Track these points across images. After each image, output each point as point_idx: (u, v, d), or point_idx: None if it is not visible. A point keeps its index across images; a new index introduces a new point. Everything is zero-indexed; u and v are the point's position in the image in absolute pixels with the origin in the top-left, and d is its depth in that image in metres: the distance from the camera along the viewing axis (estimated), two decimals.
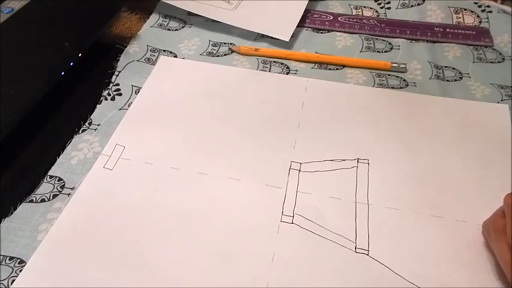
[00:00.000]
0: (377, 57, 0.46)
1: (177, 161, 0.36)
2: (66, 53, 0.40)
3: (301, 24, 0.49)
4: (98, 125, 0.39)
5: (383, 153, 0.37)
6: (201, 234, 0.31)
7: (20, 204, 0.33)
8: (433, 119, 0.39)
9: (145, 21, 0.51)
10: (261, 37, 0.49)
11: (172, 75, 0.44)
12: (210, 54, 0.47)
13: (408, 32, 0.49)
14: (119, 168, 0.35)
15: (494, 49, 0.47)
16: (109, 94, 0.42)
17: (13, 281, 0.28)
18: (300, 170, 0.35)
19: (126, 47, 0.47)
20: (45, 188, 0.34)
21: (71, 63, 0.40)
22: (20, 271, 0.29)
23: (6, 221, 0.32)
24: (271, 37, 0.47)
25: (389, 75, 0.44)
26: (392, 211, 0.33)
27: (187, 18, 0.51)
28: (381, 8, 0.53)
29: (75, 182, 0.34)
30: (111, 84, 0.43)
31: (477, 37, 0.48)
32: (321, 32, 0.50)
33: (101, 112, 0.40)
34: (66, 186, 0.34)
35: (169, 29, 0.50)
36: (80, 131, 0.38)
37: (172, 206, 0.33)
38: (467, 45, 0.48)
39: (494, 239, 0.29)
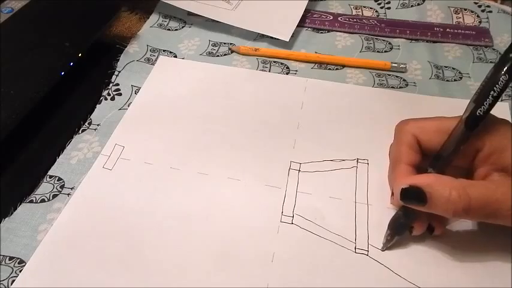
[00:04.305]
0: (377, 57, 0.46)
1: (177, 161, 0.36)
2: (66, 53, 0.40)
3: (301, 24, 0.49)
4: (98, 125, 0.39)
5: (383, 153, 0.36)
6: (200, 234, 0.31)
7: (20, 204, 0.33)
8: None
9: (145, 21, 0.51)
10: (261, 37, 0.49)
11: (172, 75, 0.44)
12: (209, 54, 0.47)
13: (408, 32, 0.49)
14: (119, 168, 0.35)
15: (494, 49, 0.47)
16: (109, 94, 0.42)
17: (13, 281, 0.28)
18: (299, 170, 0.35)
19: (126, 47, 0.47)
20: (45, 188, 0.34)
21: (71, 63, 0.40)
22: (20, 271, 0.29)
23: (6, 221, 0.32)
24: (271, 37, 0.47)
25: (389, 75, 0.44)
26: (392, 211, 0.32)
27: (187, 18, 0.51)
28: (381, 8, 0.53)
29: (75, 182, 0.34)
30: (111, 84, 0.43)
31: (477, 37, 0.48)
32: (321, 32, 0.50)
33: (101, 112, 0.40)
34: (65, 186, 0.34)
35: (169, 29, 0.50)
36: (80, 131, 0.38)
37: (172, 206, 0.33)
38: (467, 45, 0.48)
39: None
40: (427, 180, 0.27)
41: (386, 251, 0.30)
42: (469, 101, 0.41)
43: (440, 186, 0.27)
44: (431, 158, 0.30)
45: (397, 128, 0.32)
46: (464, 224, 0.32)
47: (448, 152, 0.29)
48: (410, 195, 0.28)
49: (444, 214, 0.27)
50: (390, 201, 0.32)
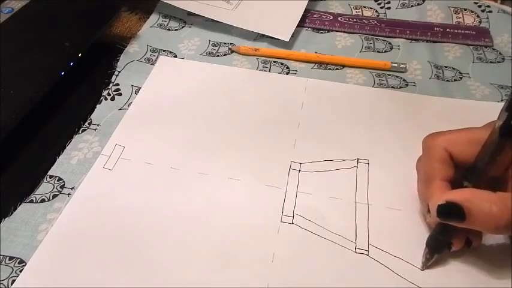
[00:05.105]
0: (377, 57, 0.46)
1: (177, 161, 0.36)
2: (66, 53, 0.40)
3: (301, 24, 0.49)
4: (98, 125, 0.39)
5: (383, 153, 0.37)
6: (201, 234, 0.31)
7: (20, 204, 0.33)
8: (433, 119, 0.39)
9: (145, 21, 0.51)
10: (261, 37, 0.49)
11: (172, 75, 0.44)
12: (210, 54, 0.47)
13: (408, 32, 0.49)
14: (119, 168, 0.35)
15: (494, 49, 0.47)
16: (109, 94, 0.42)
17: (13, 281, 0.28)
18: (300, 170, 0.35)
19: (126, 47, 0.47)
20: (45, 188, 0.34)
21: (71, 63, 0.40)
22: (20, 271, 0.29)
23: (6, 221, 0.32)
24: (271, 37, 0.47)
25: (389, 75, 0.44)
26: (393, 211, 0.33)
27: (187, 18, 0.51)
28: (381, 8, 0.53)
29: (75, 182, 0.34)
30: (111, 84, 0.43)
31: (477, 37, 0.48)
32: (321, 32, 0.50)
33: (101, 112, 0.40)
34: (66, 186, 0.34)
35: (169, 29, 0.50)
36: (80, 131, 0.38)
37: (172, 206, 0.33)
38: (467, 45, 0.48)
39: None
40: (465, 195, 0.26)
41: (386, 251, 0.30)
42: (469, 100, 0.41)
43: (479, 201, 0.26)
44: (464, 171, 0.29)
45: (426, 142, 0.31)
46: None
47: (484, 164, 0.28)
48: (449, 212, 0.27)
49: (484, 230, 0.27)
50: (426, 219, 0.30)
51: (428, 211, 0.29)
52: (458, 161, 0.29)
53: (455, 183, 0.29)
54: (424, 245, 0.30)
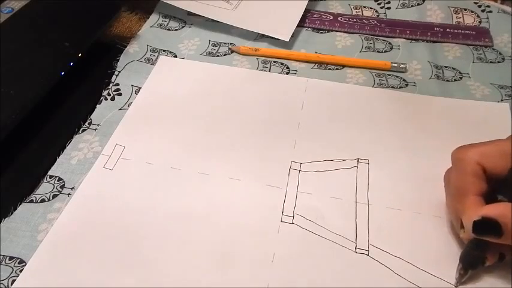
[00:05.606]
0: (377, 57, 0.46)
1: (177, 161, 0.36)
2: (66, 53, 0.40)
3: (301, 24, 0.49)
4: (98, 125, 0.39)
5: (383, 153, 0.37)
6: (201, 234, 0.31)
7: (20, 204, 0.33)
8: (433, 118, 0.39)
9: (145, 21, 0.51)
10: (261, 37, 0.49)
11: (172, 75, 0.44)
12: (210, 54, 0.47)
13: (408, 32, 0.49)
14: (119, 168, 0.35)
15: (494, 49, 0.47)
16: (109, 94, 0.42)
17: (13, 281, 0.28)
18: (300, 170, 0.35)
19: (126, 47, 0.47)
20: (45, 188, 0.34)
21: (71, 63, 0.40)
22: (20, 271, 0.29)
23: (6, 221, 0.32)
24: (271, 37, 0.47)
25: (389, 75, 0.44)
26: (393, 211, 0.33)
27: (187, 18, 0.51)
28: (381, 8, 0.53)
29: (75, 182, 0.34)
30: (111, 84, 0.43)
31: (477, 37, 0.48)
32: (321, 32, 0.50)
33: (101, 112, 0.40)
34: (66, 186, 0.34)
35: (169, 29, 0.50)
36: (80, 131, 0.38)
37: (172, 206, 0.33)
38: (467, 45, 0.48)
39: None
40: (500, 210, 0.26)
41: (386, 251, 0.30)
42: (469, 100, 0.41)
43: None
44: (495, 184, 0.28)
45: (456, 156, 0.30)
46: None
47: None
48: (484, 228, 0.26)
49: None
50: (460, 234, 0.29)
51: (462, 226, 0.28)
52: (490, 174, 0.28)
53: (487, 197, 0.28)
54: (424, 245, 0.30)
